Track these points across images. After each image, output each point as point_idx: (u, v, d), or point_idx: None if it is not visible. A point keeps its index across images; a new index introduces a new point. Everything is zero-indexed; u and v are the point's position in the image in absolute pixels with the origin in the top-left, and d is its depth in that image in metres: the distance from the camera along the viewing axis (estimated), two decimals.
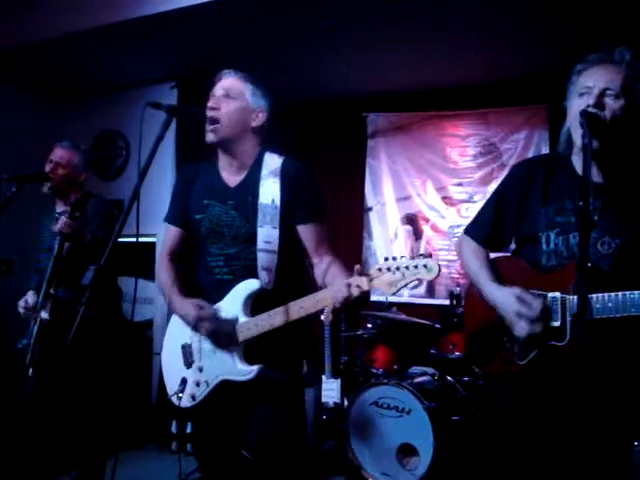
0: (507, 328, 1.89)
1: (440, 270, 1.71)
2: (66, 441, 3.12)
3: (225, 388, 2.11)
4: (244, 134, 2.18)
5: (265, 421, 2.08)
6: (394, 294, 1.79)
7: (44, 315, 3.00)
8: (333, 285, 1.89)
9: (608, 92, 1.82)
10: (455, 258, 5.03)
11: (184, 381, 2.18)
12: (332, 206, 5.16)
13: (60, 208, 3.30)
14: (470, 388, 3.81)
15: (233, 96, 2.16)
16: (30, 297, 3.13)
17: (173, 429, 4.39)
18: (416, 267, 1.72)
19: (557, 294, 1.83)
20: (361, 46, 4.28)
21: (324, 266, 2.10)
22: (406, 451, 3.48)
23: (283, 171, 2.14)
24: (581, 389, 1.78)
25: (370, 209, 5.41)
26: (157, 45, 4.41)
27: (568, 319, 1.79)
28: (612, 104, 1.82)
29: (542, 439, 1.86)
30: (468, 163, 5.10)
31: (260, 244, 2.08)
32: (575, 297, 1.74)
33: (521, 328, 1.83)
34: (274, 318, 2.00)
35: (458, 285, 4.56)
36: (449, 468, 3.41)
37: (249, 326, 2.04)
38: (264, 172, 2.15)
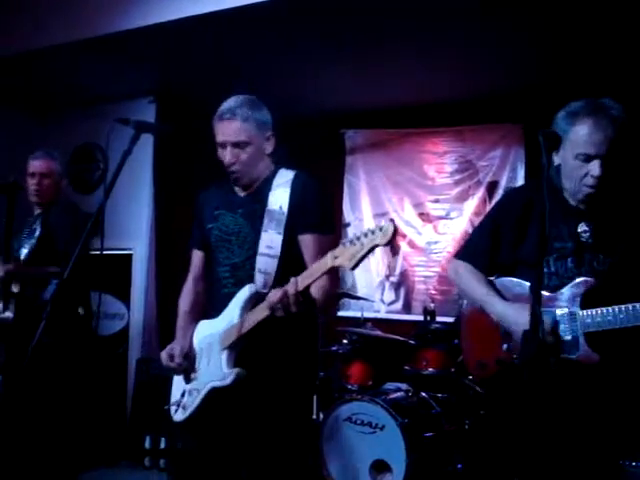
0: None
1: (396, 230, 1.66)
2: (34, 457, 3.08)
3: (217, 401, 2.10)
4: (261, 162, 2.21)
5: (254, 437, 2.09)
6: (353, 268, 1.75)
7: (8, 314, 2.99)
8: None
9: (607, 158, 1.92)
10: (432, 274, 5.08)
11: (183, 394, 2.19)
12: None
13: (37, 211, 3.33)
14: (444, 404, 3.81)
15: (243, 146, 2.14)
16: None
17: (147, 444, 4.35)
18: (373, 232, 1.69)
19: (565, 310, 1.94)
20: (339, 63, 4.33)
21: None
22: (379, 467, 3.48)
23: (294, 182, 2.17)
24: (579, 404, 1.91)
25: (348, 225, 5.43)
26: (136, 59, 4.42)
27: (580, 332, 1.91)
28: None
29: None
30: (445, 180, 5.14)
31: (262, 248, 2.09)
32: (584, 312, 1.90)
33: None
34: (254, 313, 2.00)
35: (433, 301, 4.58)
36: None
37: (238, 326, 2.04)
38: (275, 183, 2.18)
